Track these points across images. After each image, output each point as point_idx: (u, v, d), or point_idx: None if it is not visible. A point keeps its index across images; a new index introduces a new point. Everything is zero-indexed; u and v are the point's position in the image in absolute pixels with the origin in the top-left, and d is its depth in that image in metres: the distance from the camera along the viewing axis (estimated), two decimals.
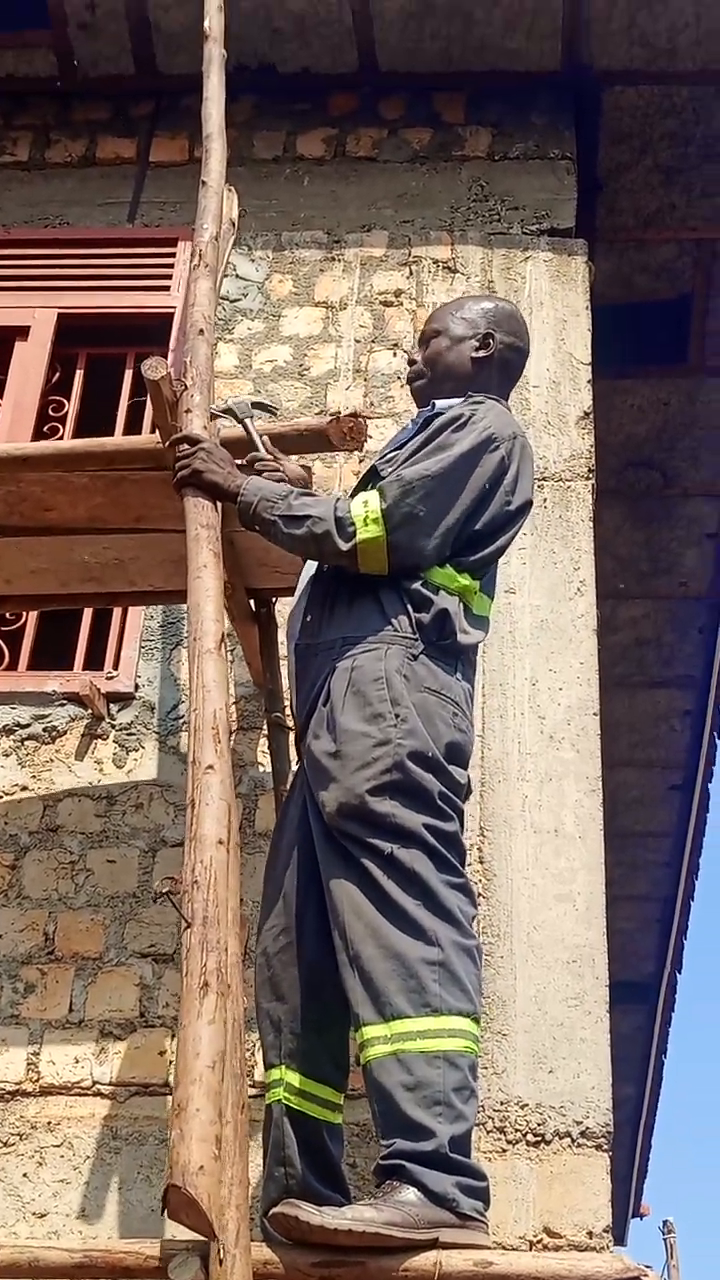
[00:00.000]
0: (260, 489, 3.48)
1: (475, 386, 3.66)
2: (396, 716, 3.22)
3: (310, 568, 3.58)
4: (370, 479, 3.51)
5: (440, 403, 3.63)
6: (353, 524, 3.33)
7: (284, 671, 4.16)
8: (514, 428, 3.56)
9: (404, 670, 3.29)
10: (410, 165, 5.62)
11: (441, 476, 3.39)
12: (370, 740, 3.20)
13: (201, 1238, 2.49)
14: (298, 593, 3.61)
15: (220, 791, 2.86)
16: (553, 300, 5.23)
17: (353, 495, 3.48)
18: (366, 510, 3.34)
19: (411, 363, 3.83)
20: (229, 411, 3.81)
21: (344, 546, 3.34)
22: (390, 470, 3.44)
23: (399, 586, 3.37)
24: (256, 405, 3.87)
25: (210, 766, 2.89)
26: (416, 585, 3.37)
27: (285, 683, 4.16)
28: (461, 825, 3.29)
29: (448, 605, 3.39)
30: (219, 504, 3.51)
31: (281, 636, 4.31)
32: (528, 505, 3.61)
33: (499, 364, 3.75)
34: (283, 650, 4.22)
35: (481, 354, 3.72)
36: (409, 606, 3.35)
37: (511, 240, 5.39)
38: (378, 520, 3.33)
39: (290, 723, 4.13)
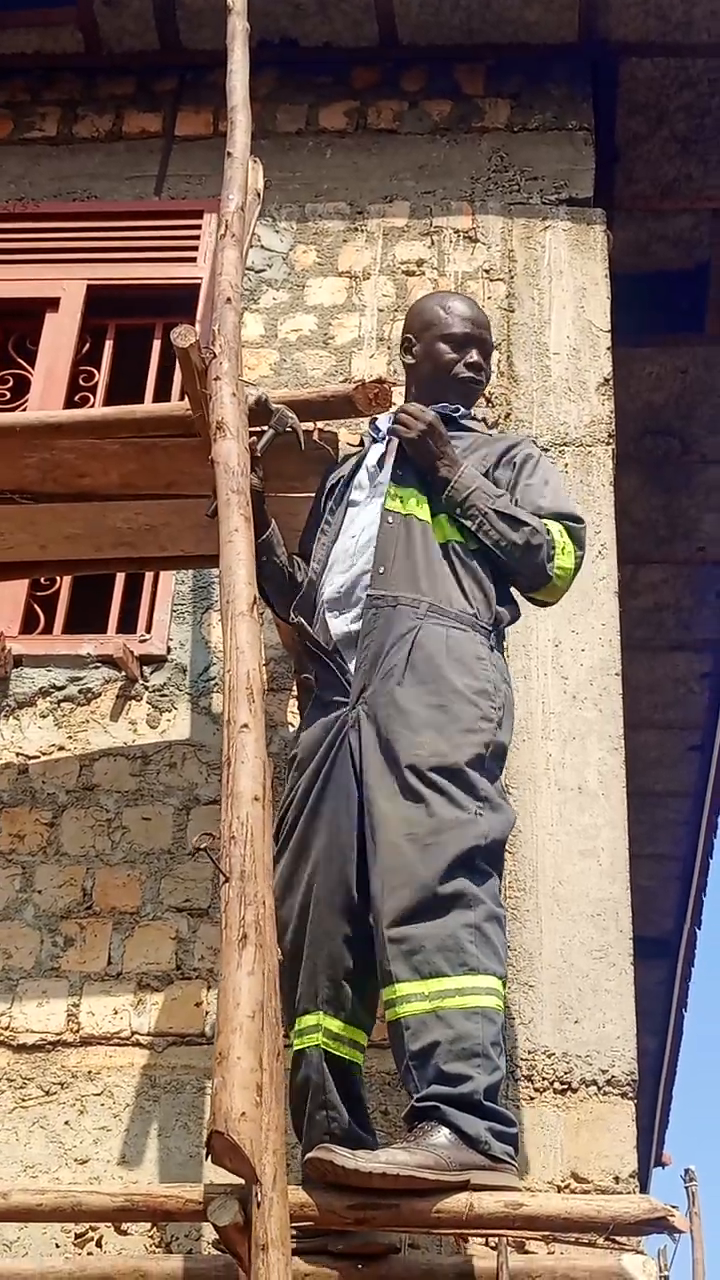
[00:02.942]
0: (477, 478, 3.57)
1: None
2: (496, 704, 3.35)
3: (362, 521, 3.61)
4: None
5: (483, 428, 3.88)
6: (555, 547, 3.50)
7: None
8: None
9: (495, 661, 3.42)
10: (431, 137, 5.59)
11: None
12: (478, 712, 3.29)
13: (241, 1181, 2.51)
14: (348, 541, 3.63)
15: (255, 749, 2.86)
16: (572, 269, 5.21)
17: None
18: (563, 541, 3.53)
19: (481, 370, 3.89)
20: (269, 412, 3.80)
21: (549, 568, 3.50)
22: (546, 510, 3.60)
23: (481, 579, 3.48)
24: (290, 429, 3.84)
25: (245, 725, 2.89)
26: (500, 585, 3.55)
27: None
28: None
29: (519, 615, 3.66)
30: (254, 469, 3.53)
31: None
32: None
33: None
34: None
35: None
36: (490, 599, 3.44)
37: (531, 210, 5.36)
38: (570, 553, 3.54)
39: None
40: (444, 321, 3.84)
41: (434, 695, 3.27)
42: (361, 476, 3.74)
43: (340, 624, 3.50)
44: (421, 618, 3.37)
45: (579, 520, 3.61)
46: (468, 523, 3.50)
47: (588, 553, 4.52)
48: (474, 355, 3.81)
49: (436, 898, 3.08)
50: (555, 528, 3.52)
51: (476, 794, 3.21)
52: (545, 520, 3.52)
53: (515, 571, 3.52)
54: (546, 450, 4.52)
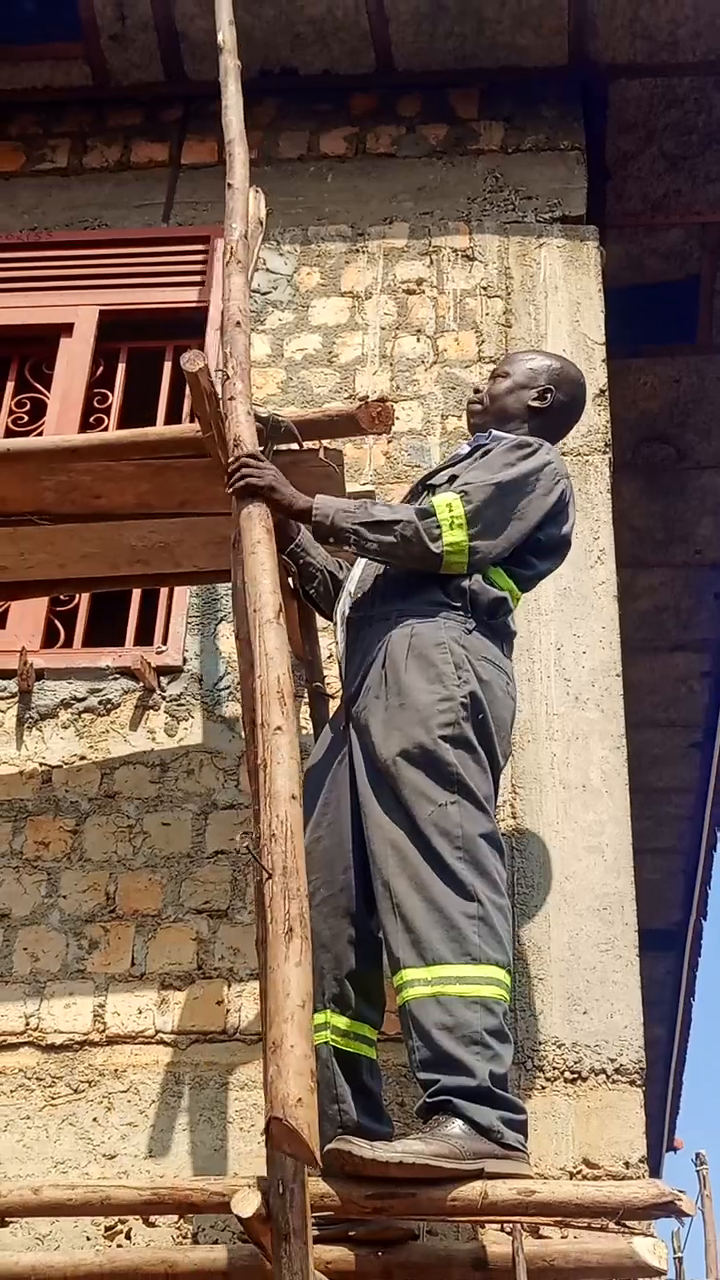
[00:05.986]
0: (331, 502, 3.50)
1: (526, 431, 3.76)
2: (459, 678, 3.30)
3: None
4: (422, 491, 3.62)
5: (497, 431, 3.74)
6: (439, 526, 3.38)
7: (323, 643, 4.20)
8: (567, 471, 3.67)
9: (462, 641, 3.37)
10: (428, 160, 5.62)
11: (509, 486, 3.47)
12: (436, 695, 3.27)
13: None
14: (352, 572, 3.67)
15: (290, 750, 2.85)
16: (567, 284, 5.23)
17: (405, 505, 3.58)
18: (451, 514, 3.38)
19: (476, 391, 3.93)
20: (264, 421, 3.81)
21: (434, 548, 3.37)
22: (457, 483, 3.49)
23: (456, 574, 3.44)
24: (285, 429, 3.86)
25: (279, 727, 2.88)
26: (476, 575, 3.45)
27: (325, 653, 4.20)
28: (497, 791, 3.38)
29: (503, 594, 3.50)
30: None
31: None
32: (569, 543, 3.71)
33: (553, 415, 3.85)
34: (322, 623, 4.24)
35: (537, 404, 3.82)
36: (464, 588, 3.41)
37: (526, 228, 5.39)
38: (462, 525, 3.38)
39: (329, 690, 4.18)
40: None
41: (396, 696, 3.30)
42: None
43: (341, 635, 3.59)
44: (391, 626, 3.41)
45: (500, 489, 3.44)
46: (347, 547, 3.47)
47: (587, 559, 4.58)
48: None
49: (436, 894, 3.10)
50: (443, 502, 3.40)
51: (448, 780, 3.20)
52: (443, 495, 3.44)
53: (410, 568, 3.44)
54: None
